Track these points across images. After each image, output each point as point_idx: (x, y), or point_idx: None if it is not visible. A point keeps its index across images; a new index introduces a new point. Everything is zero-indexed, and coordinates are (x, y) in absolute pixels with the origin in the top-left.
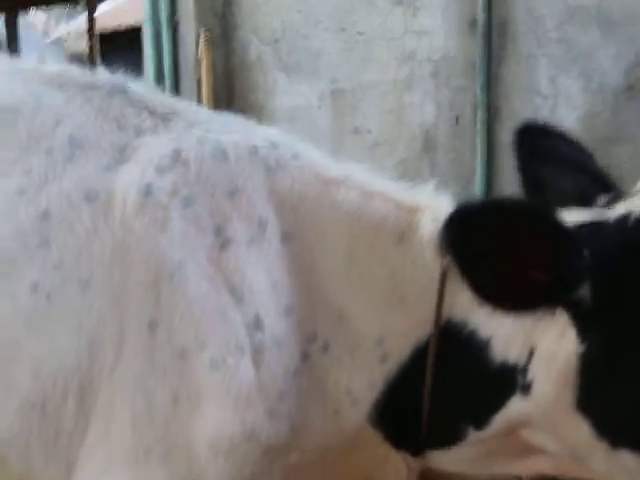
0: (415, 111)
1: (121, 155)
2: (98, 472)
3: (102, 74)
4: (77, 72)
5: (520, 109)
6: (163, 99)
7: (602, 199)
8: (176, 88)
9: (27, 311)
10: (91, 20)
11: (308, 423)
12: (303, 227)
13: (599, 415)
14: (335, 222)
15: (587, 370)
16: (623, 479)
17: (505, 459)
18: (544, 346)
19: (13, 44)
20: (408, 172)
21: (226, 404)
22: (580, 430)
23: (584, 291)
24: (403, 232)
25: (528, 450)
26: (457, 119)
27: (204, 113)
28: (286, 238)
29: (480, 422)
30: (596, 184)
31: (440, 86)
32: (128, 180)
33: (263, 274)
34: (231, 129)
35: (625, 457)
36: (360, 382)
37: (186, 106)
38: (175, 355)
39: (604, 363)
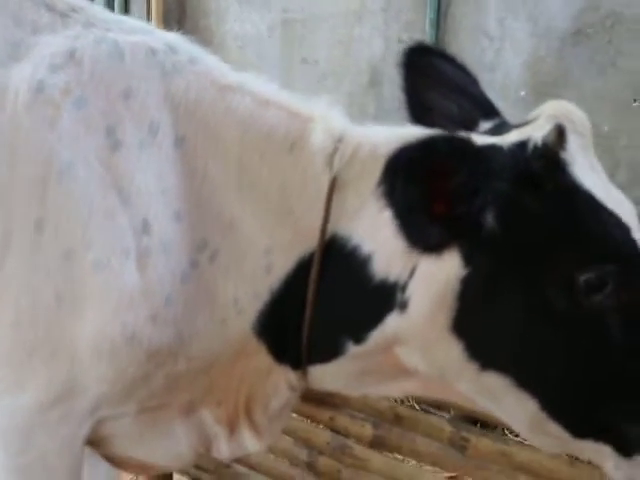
0: (364, 44)
1: (15, 52)
2: None
3: None
4: None
5: (467, 48)
6: None
7: (485, 124)
8: (126, 8)
9: None
10: None
11: (195, 330)
12: (196, 132)
13: (472, 338)
14: (228, 128)
15: (466, 294)
16: (485, 400)
17: (378, 379)
18: (425, 266)
19: None
20: (354, 105)
21: (108, 306)
22: (452, 351)
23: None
24: (295, 141)
25: (400, 371)
26: None
27: (106, 14)
28: (179, 142)
29: (359, 337)
30: (479, 109)
31: (389, 20)
32: (20, 77)
33: (153, 178)
34: (131, 30)
35: (491, 378)
36: (246, 292)
37: (88, 4)
38: (60, 255)
39: (483, 289)
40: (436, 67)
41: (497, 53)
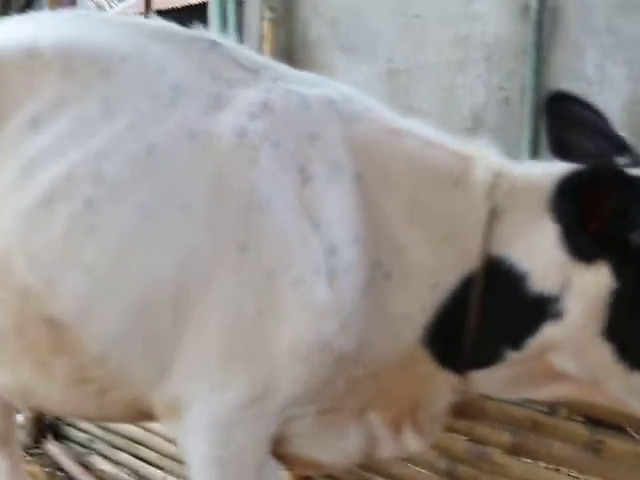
0: (466, 92)
1: (216, 103)
2: (187, 375)
3: (198, 30)
4: (175, 27)
5: None
6: (252, 55)
7: (621, 160)
8: None
9: (134, 228)
10: None
11: (371, 340)
12: (372, 170)
13: (621, 341)
14: (399, 166)
15: (615, 303)
16: (633, 399)
17: (531, 383)
18: (579, 280)
19: None
20: None
21: (305, 317)
22: (602, 354)
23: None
24: (458, 177)
25: (552, 375)
26: (507, 100)
27: (288, 70)
28: (357, 178)
29: (517, 344)
30: (613, 146)
31: (491, 69)
32: (224, 123)
33: (338, 207)
34: (312, 84)
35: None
36: (414, 307)
37: (271, 63)
38: (262, 274)
39: (631, 299)
40: (573, 110)
41: (596, 97)
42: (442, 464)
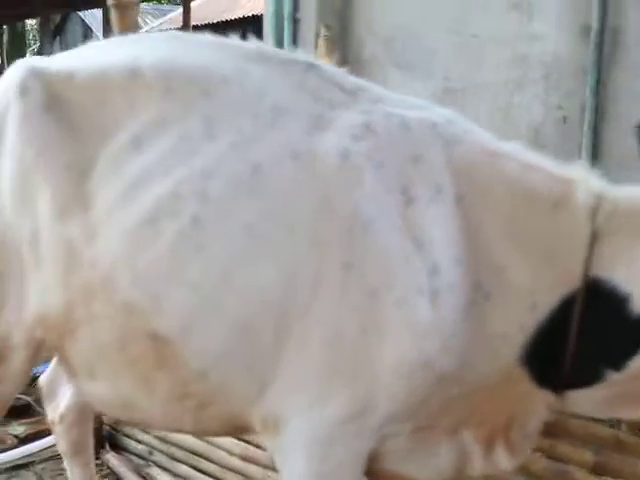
0: (523, 111)
1: (318, 124)
2: (287, 390)
3: (294, 53)
4: (272, 49)
5: (626, 112)
6: (349, 77)
7: None
8: None
9: (240, 248)
10: (187, 13)
11: (471, 360)
12: (472, 192)
13: None
14: (499, 188)
15: None
16: None
17: (630, 402)
18: None
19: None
20: None
21: (407, 336)
22: None
23: None
24: (557, 200)
25: None
26: (565, 119)
27: (385, 92)
28: (458, 200)
29: (618, 365)
30: None
31: (549, 88)
32: (327, 144)
33: (440, 229)
34: (411, 106)
35: None
36: (513, 326)
37: (368, 85)
38: (366, 293)
39: None
40: None
41: None
42: None
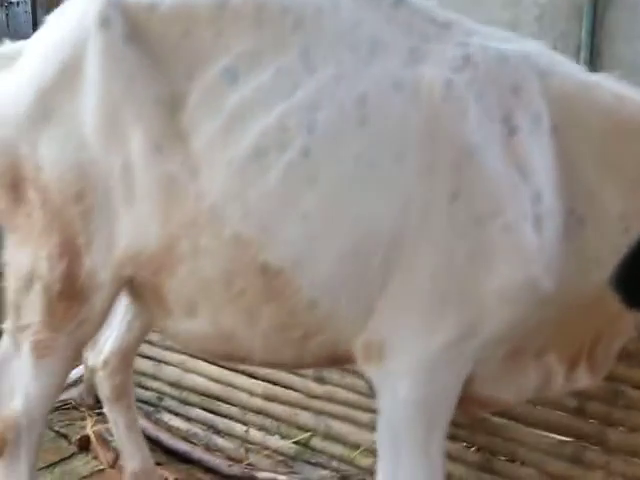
0: None
1: (414, 56)
2: (393, 318)
3: None
4: None
5: (621, 53)
6: (439, 11)
7: None
8: None
9: (350, 177)
10: None
11: (567, 282)
12: (567, 121)
13: None
14: (594, 118)
15: None
16: None
17: None
18: None
19: None
20: None
21: (514, 260)
22: None
23: None
24: None
25: None
26: None
27: (476, 25)
28: (554, 130)
29: None
30: None
31: (545, 29)
32: (429, 75)
33: (540, 158)
34: (503, 39)
35: None
36: (605, 250)
37: (459, 17)
38: (473, 221)
39: None
40: None
41: None
42: (571, 402)
